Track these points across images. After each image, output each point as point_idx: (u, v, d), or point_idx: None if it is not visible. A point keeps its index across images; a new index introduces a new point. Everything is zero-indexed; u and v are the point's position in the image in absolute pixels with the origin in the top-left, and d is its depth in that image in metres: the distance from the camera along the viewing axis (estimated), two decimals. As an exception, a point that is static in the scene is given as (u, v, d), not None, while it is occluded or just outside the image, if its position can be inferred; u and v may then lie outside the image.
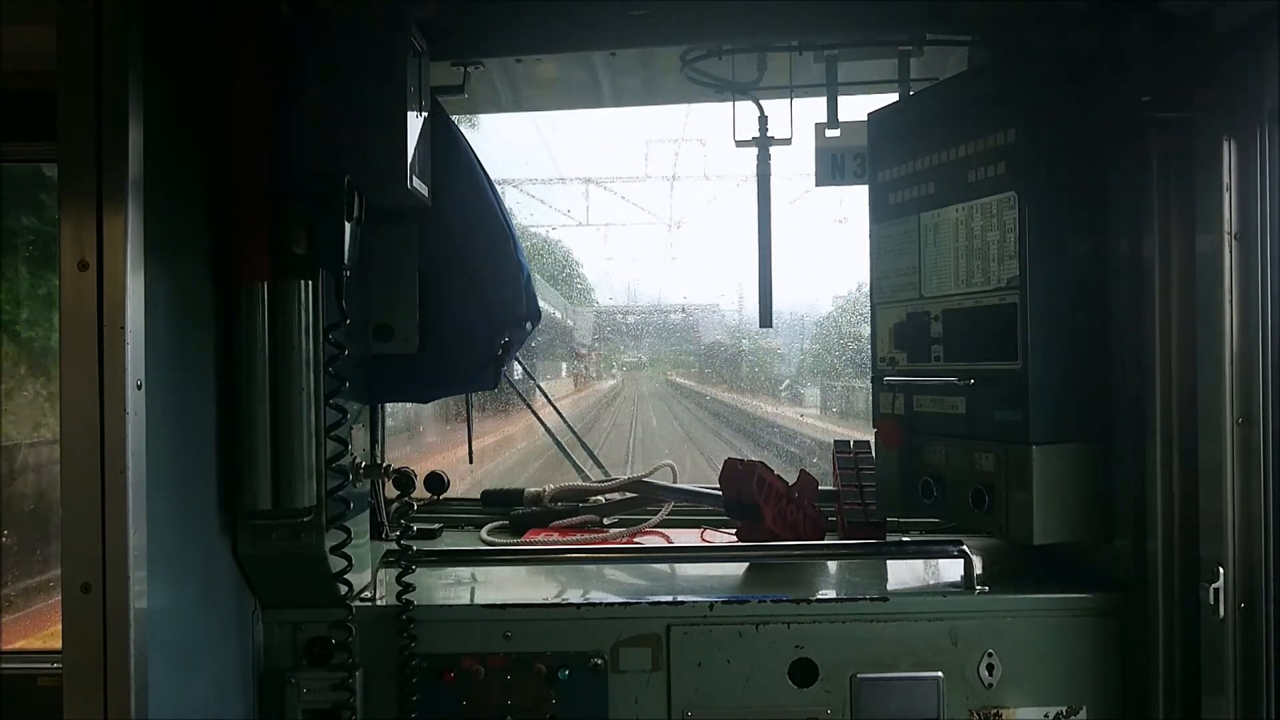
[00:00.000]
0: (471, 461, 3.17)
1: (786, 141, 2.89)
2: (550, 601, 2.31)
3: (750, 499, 2.68)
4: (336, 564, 2.13)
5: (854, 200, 2.74)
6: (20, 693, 2.47)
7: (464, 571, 2.61)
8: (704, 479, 3.22)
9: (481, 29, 2.56)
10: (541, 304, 2.76)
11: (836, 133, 2.82)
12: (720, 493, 2.81)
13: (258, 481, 2.06)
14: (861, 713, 2.23)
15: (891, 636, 2.25)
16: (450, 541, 2.97)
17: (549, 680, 2.24)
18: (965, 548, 2.35)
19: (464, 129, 2.65)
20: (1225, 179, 1.99)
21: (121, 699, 1.66)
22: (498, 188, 2.69)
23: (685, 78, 2.80)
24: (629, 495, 3.10)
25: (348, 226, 2.04)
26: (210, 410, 2.04)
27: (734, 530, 2.86)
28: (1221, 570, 1.99)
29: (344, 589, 2.16)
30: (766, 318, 2.93)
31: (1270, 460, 1.96)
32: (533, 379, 3.48)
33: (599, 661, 2.25)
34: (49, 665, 2.49)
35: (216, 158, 2.04)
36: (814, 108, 2.85)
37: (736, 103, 2.89)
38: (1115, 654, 2.24)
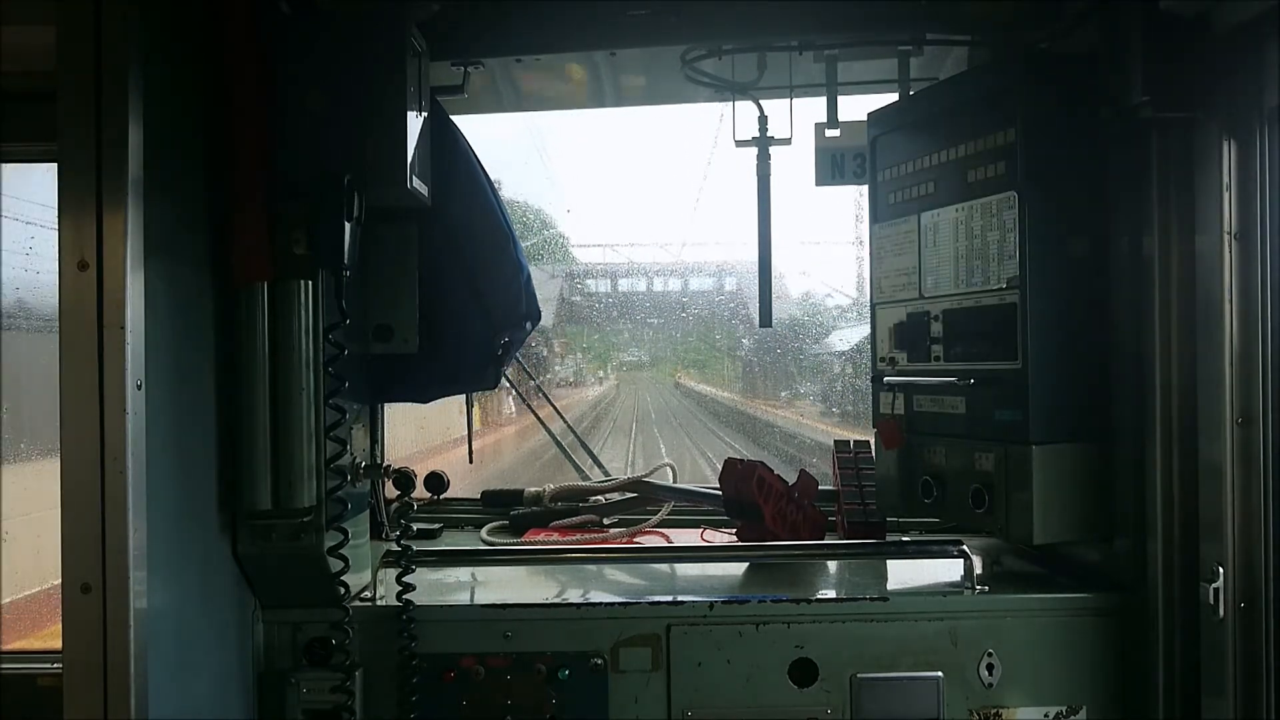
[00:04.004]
0: (471, 461, 3.17)
1: (786, 141, 2.89)
2: (550, 601, 2.31)
3: (750, 499, 2.68)
4: (336, 565, 2.13)
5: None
6: (20, 693, 2.47)
7: (464, 571, 2.61)
8: (704, 479, 3.22)
9: (481, 29, 2.56)
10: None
11: (836, 133, 2.82)
12: (720, 493, 2.81)
13: (258, 481, 2.06)
14: (861, 713, 2.23)
15: (891, 636, 2.25)
16: (450, 541, 2.97)
17: (549, 680, 2.24)
18: (965, 548, 2.35)
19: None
20: (1225, 179, 1.99)
21: (121, 699, 1.66)
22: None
23: (685, 77, 2.80)
24: (629, 495, 3.10)
25: (348, 226, 2.04)
26: (210, 410, 2.04)
27: (734, 530, 2.86)
28: (1221, 570, 1.99)
29: (343, 589, 2.16)
30: (766, 318, 2.93)
31: (1270, 460, 1.96)
32: (532, 378, 3.48)
33: (599, 661, 2.25)
34: (49, 665, 2.49)
35: (216, 158, 2.04)
36: (814, 108, 2.86)
37: (736, 103, 2.89)
38: (1115, 654, 2.24)
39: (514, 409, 4.34)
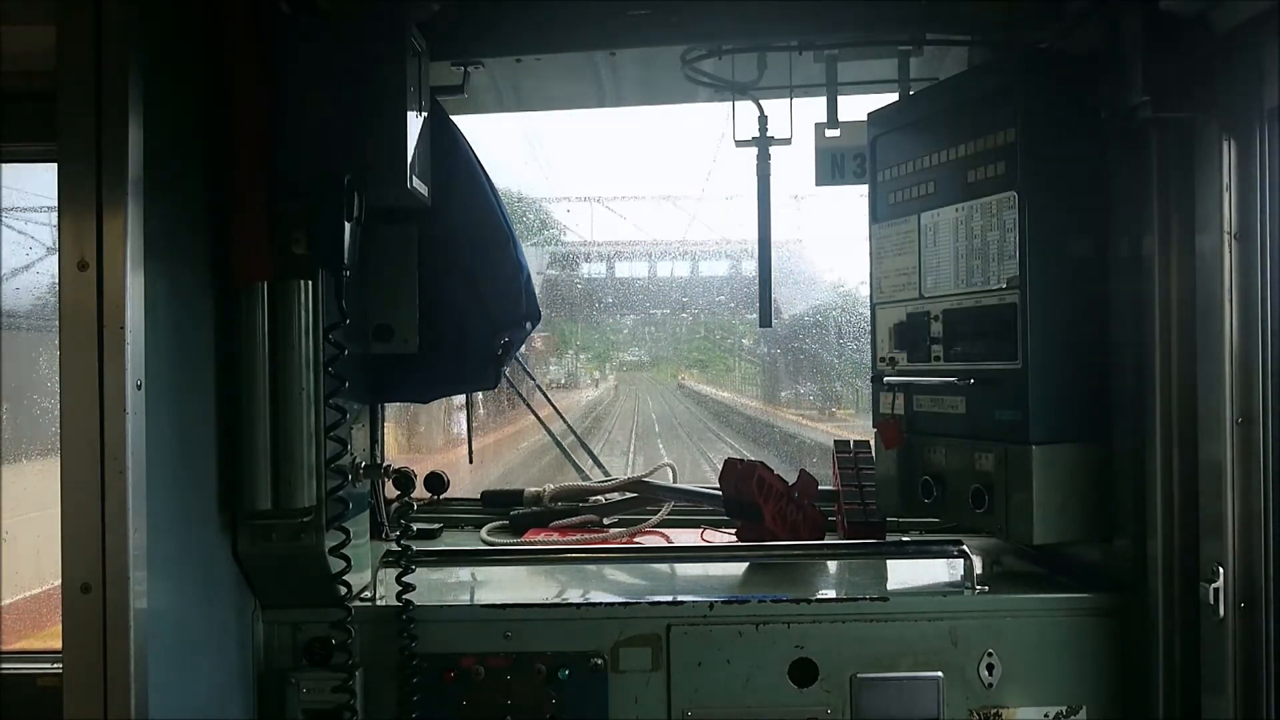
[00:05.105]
0: (471, 461, 3.17)
1: (786, 141, 2.89)
2: (550, 601, 2.31)
3: (750, 499, 2.68)
4: (336, 564, 2.13)
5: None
6: (20, 693, 2.47)
7: (464, 571, 2.61)
8: (704, 479, 3.21)
9: (481, 29, 2.56)
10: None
11: (836, 133, 2.83)
12: (720, 493, 2.81)
13: (258, 481, 2.06)
14: (861, 713, 2.23)
15: (891, 636, 2.25)
16: (450, 541, 2.97)
17: (549, 680, 2.24)
18: (965, 548, 2.35)
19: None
20: (1225, 179, 1.98)
21: (121, 699, 1.66)
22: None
23: (685, 77, 2.80)
24: (629, 495, 3.10)
25: (348, 226, 2.04)
26: (210, 410, 2.04)
27: (734, 530, 2.86)
28: (1221, 570, 1.99)
29: (343, 589, 2.16)
30: (766, 318, 2.93)
31: (1270, 460, 1.96)
32: (532, 378, 3.48)
33: (599, 661, 2.25)
34: (49, 665, 2.49)
35: (216, 157, 2.03)
36: (814, 108, 2.86)
37: (736, 103, 2.89)
38: (1115, 654, 2.24)
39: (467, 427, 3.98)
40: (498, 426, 4.02)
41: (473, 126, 2.72)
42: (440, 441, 3.82)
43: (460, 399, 3.26)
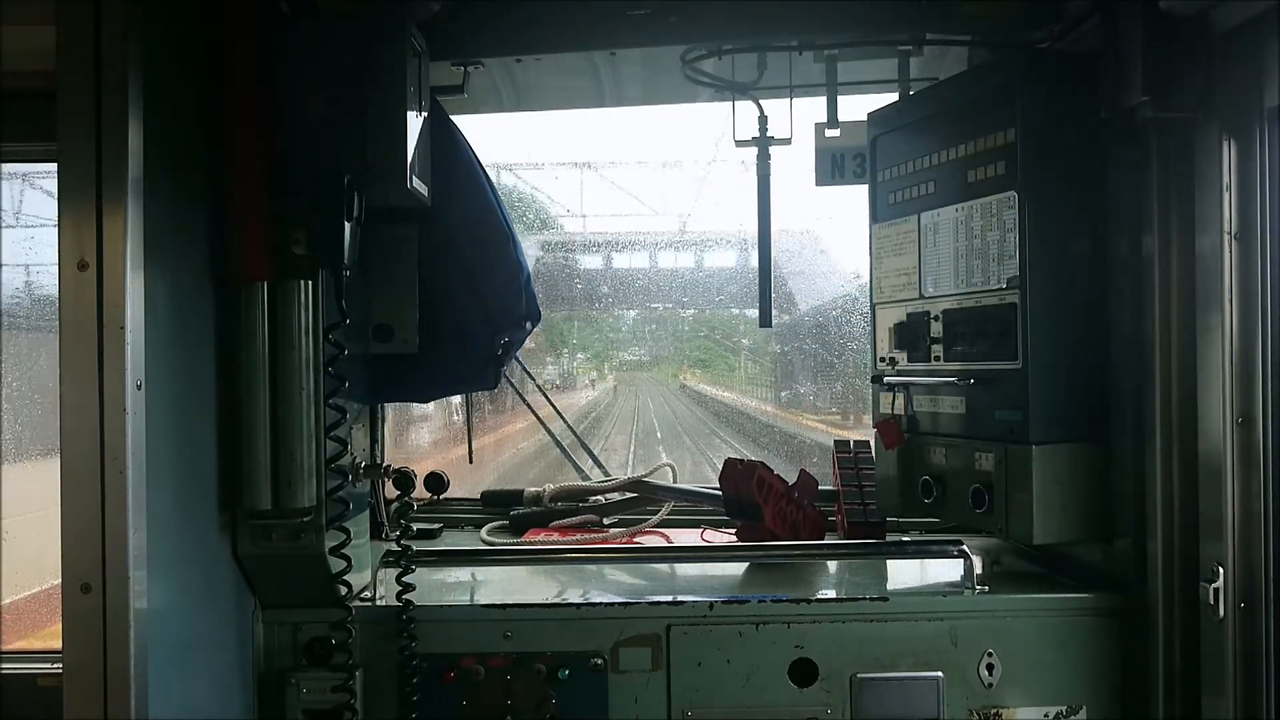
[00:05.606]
0: (471, 461, 3.17)
1: (786, 141, 2.89)
2: (550, 601, 2.31)
3: (750, 498, 2.68)
4: (336, 564, 2.13)
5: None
6: (20, 693, 2.47)
7: (464, 571, 2.61)
8: (704, 480, 3.21)
9: (482, 29, 2.56)
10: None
11: (836, 133, 2.83)
12: (720, 493, 2.81)
13: (258, 481, 2.05)
14: (861, 712, 2.23)
15: (891, 636, 2.25)
16: (450, 541, 2.97)
17: (549, 680, 2.24)
18: (965, 548, 2.35)
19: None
20: (1225, 179, 1.98)
21: (121, 699, 1.66)
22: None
23: (685, 77, 2.80)
24: (629, 495, 3.10)
25: (348, 226, 2.04)
26: (210, 410, 2.04)
27: (734, 530, 2.86)
28: (1221, 570, 1.99)
29: (343, 589, 2.16)
30: (766, 318, 2.93)
31: (1270, 460, 1.96)
32: (531, 378, 3.48)
33: (599, 661, 2.25)
34: (49, 665, 2.50)
35: (216, 158, 2.03)
36: (814, 108, 2.86)
37: (736, 102, 2.89)
38: (1115, 654, 2.24)
39: (430, 439, 3.87)
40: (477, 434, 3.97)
41: (471, 121, 2.72)
42: (398, 458, 3.68)
43: (430, 406, 3.27)
